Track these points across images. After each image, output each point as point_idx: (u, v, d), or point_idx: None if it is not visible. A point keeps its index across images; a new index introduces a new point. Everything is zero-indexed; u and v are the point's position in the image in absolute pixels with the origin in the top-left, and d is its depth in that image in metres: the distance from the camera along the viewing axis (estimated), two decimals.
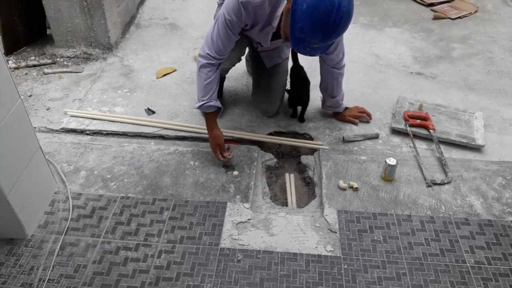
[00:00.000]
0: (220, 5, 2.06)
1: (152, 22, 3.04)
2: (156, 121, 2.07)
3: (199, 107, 1.82)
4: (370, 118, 2.11)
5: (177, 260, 1.47)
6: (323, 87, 2.07)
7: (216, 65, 1.78)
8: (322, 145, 1.97)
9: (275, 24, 1.70)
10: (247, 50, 2.12)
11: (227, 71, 2.07)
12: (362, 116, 2.10)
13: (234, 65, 2.03)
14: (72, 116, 2.09)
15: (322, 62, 1.97)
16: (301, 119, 2.10)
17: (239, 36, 1.76)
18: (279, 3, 1.65)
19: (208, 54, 1.74)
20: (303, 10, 1.46)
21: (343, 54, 1.92)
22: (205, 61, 1.75)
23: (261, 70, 2.11)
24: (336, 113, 2.13)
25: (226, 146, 1.84)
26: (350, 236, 1.56)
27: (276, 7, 1.65)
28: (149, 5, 3.25)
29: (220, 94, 2.20)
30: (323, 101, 2.13)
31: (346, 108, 2.12)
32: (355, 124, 2.09)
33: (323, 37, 1.52)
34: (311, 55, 1.66)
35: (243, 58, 2.06)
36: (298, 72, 2.11)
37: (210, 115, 1.85)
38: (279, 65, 2.11)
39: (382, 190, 1.74)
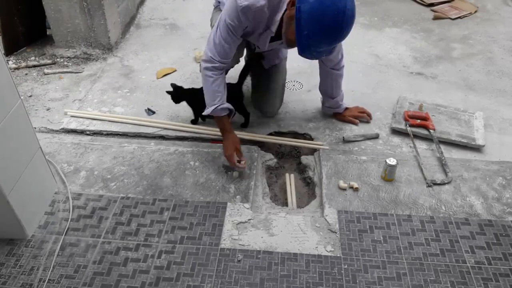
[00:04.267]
0: (216, 7, 2.05)
1: (152, 23, 3.04)
2: (156, 121, 2.07)
3: (213, 111, 1.76)
4: (370, 118, 2.11)
5: (177, 260, 1.47)
6: (322, 88, 2.07)
7: (221, 68, 1.74)
8: (322, 145, 1.97)
9: (274, 28, 1.70)
10: (245, 51, 2.12)
11: (226, 72, 2.07)
12: (362, 116, 2.10)
13: (233, 67, 2.03)
14: (72, 116, 2.10)
15: (321, 64, 1.96)
16: (244, 125, 2.06)
17: (241, 39, 1.75)
18: (278, 8, 1.65)
19: (211, 57, 1.71)
20: (309, 18, 1.47)
21: (342, 55, 1.93)
22: (210, 65, 1.72)
23: (259, 71, 2.11)
24: (336, 113, 2.13)
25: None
26: (350, 236, 1.56)
27: (275, 12, 1.65)
28: (149, 5, 3.25)
29: None
30: (323, 102, 2.13)
31: (346, 108, 2.12)
32: (355, 124, 2.09)
33: (331, 41, 1.56)
34: (316, 58, 1.69)
35: (242, 59, 2.06)
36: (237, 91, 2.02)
37: (224, 118, 1.81)
38: (278, 66, 2.10)
39: (382, 190, 1.74)
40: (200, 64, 1.79)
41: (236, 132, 2.00)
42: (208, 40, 1.74)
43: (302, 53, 1.60)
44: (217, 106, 1.75)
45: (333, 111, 2.12)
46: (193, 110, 2.07)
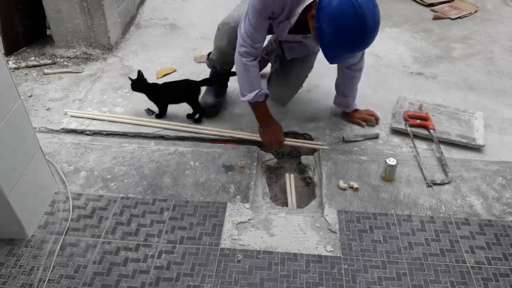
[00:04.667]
0: None
1: (152, 23, 3.04)
2: (156, 122, 2.07)
3: (254, 97, 1.78)
4: (377, 123, 2.10)
5: (177, 261, 1.47)
6: (336, 82, 2.05)
7: (254, 54, 1.75)
8: (322, 145, 1.96)
9: (293, 21, 1.69)
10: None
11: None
12: (370, 119, 2.09)
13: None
14: (72, 116, 2.10)
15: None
16: (198, 120, 2.10)
17: (269, 21, 1.74)
18: (300, 1, 1.63)
19: (243, 43, 1.72)
20: (334, 40, 1.49)
21: (362, 58, 1.90)
22: (243, 50, 1.73)
23: (285, 59, 2.06)
24: (345, 112, 2.12)
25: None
26: (350, 236, 1.56)
27: (297, 4, 1.64)
28: (149, 5, 3.25)
29: (224, 91, 2.20)
30: (335, 96, 2.11)
31: (356, 110, 2.10)
32: (362, 126, 2.07)
33: (359, 50, 1.60)
34: (345, 62, 1.71)
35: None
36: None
37: (264, 104, 1.83)
38: (303, 60, 2.04)
39: (382, 190, 1.74)
40: (235, 53, 1.80)
41: (235, 132, 2.01)
42: (239, 27, 1.75)
43: (332, 63, 1.62)
44: (258, 92, 1.77)
45: (342, 109, 2.11)
46: (156, 104, 2.11)
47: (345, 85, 2.01)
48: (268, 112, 1.88)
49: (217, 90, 2.15)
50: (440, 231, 1.59)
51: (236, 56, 1.77)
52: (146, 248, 1.51)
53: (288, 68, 2.06)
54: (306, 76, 2.12)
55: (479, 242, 1.56)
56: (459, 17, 3.19)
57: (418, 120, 2.04)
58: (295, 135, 2.06)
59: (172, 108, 2.15)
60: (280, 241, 1.54)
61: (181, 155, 1.90)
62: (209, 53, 2.12)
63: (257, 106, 1.85)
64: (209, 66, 2.17)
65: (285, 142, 1.97)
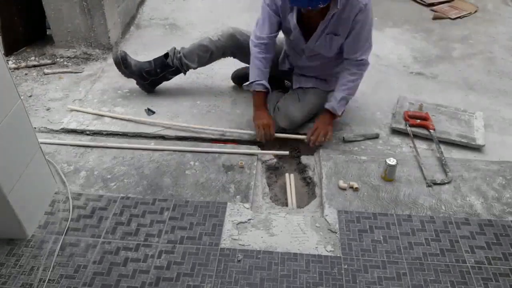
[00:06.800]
0: None
1: (152, 23, 3.04)
2: (156, 122, 2.07)
3: (248, 85, 1.95)
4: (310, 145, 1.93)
5: (177, 260, 1.47)
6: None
7: (258, 45, 1.89)
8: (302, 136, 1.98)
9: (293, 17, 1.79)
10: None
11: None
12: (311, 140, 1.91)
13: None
14: (73, 110, 2.11)
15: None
16: None
17: (278, 17, 1.84)
18: None
19: (252, 33, 1.93)
20: None
21: (364, 53, 1.93)
22: (251, 39, 1.93)
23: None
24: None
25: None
26: (350, 236, 1.56)
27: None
28: (149, 5, 3.25)
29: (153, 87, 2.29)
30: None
31: (329, 115, 1.94)
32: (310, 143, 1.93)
33: None
34: (310, 5, 1.65)
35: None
36: None
37: (259, 94, 1.95)
38: (308, 91, 2.04)
39: (382, 190, 1.74)
40: None
41: (230, 131, 2.01)
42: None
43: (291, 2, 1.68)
44: (254, 82, 1.93)
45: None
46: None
47: (338, 78, 1.96)
48: (263, 103, 1.98)
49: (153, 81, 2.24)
50: (440, 231, 1.59)
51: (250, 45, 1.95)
52: (146, 248, 1.51)
53: (289, 99, 2.05)
54: (309, 112, 2.05)
55: (479, 242, 1.56)
56: (459, 17, 3.19)
57: (418, 120, 2.04)
58: (295, 134, 2.06)
59: (172, 108, 2.15)
60: (280, 241, 1.54)
61: (181, 155, 1.90)
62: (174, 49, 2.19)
63: (254, 95, 1.98)
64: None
65: (276, 135, 1.98)
